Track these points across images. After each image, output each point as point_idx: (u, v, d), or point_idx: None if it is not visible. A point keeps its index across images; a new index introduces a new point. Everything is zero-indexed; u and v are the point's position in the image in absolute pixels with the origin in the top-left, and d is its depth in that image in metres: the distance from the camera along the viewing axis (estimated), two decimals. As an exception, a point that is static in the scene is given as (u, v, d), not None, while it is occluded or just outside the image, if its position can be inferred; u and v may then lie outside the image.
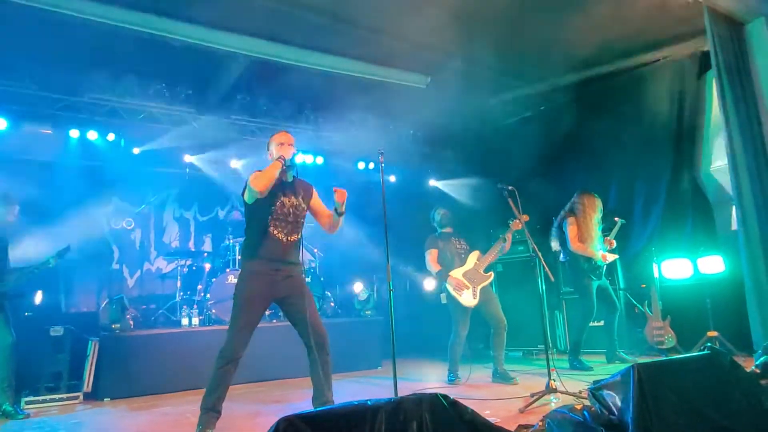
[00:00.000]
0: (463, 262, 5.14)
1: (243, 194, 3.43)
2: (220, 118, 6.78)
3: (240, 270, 3.48)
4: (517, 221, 4.75)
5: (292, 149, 3.41)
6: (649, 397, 2.40)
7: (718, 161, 5.77)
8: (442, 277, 5.06)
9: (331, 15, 5.12)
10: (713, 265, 5.58)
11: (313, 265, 7.58)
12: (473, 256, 5.16)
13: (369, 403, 1.76)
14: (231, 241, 6.58)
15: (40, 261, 4.63)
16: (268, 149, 3.54)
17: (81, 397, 4.89)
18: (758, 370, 3.26)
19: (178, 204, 7.88)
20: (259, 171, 3.31)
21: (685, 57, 5.95)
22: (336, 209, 3.47)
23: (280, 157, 3.33)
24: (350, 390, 4.88)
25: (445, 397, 1.93)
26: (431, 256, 5.20)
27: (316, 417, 1.65)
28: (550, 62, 6.27)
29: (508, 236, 5.01)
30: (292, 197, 3.48)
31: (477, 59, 6.17)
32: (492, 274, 5.17)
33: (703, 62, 5.72)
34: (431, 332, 6.93)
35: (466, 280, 5.02)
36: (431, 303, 7.52)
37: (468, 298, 4.97)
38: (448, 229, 5.36)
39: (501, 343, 4.97)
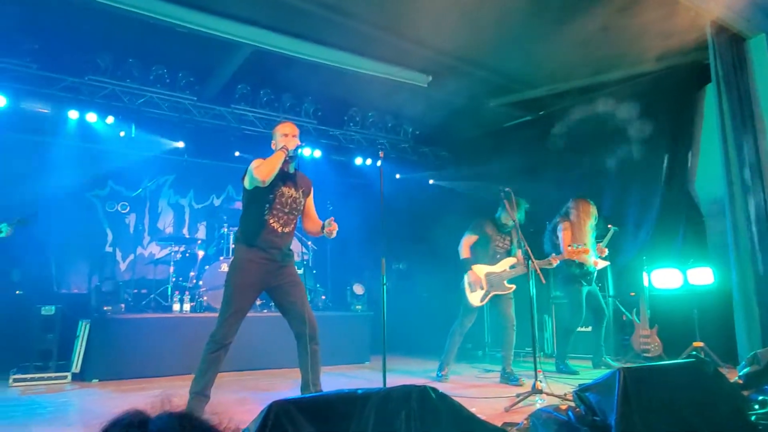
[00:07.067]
0: (494, 261, 4.97)
1: (243, 180, 3.44)
2: (220, 106, 6.80)
3: (233, 257, 3.48)
4: (557, 256, 4.80)
5: (296, 141, 3.42)
6: (632, 401, 2.43)
7: (712, 173, 5.83)
8: (466, 266, 4.93)
9: (335, 9, 5.13)
10: (702, 276, 5.63)
11: (306, 257, 7.59)
12: (506, 262, 4.97)
13: (359, 391, 1.78)
14: (226, 229, 6.58)
15: None
16: (273, 138, 3.55)
17: (69, 377, 4.90)
18: (741, 381, 3.31)
19: (173, 190, 7.87)
20: (262, 159, 3.32)
21: (685, 69, 6.00)
22: (324, 228, 3.47)
23: (283, 148, 3.34)
24: (338, 383, 4.90)
25: (434, 389, 1.96)
26: (467, 240, 5.01)
27: (307, 402, 1.68)
28: (551, 68, 6.31)
29: (554, 260, 4.84)
30: (292, 189, 3.51)
31: (479, 61, 6.20)
32: (513, 287, 4.93)
33: (703, 75, 5.78)
34: (421, 330, 6.96)
35: (485, 281, 4.88)
36: (422, 301, 7.57)
37: (475, 298, 4.86)
38: (508, 220, 4.91)
39: (510, 342, 4.89)
